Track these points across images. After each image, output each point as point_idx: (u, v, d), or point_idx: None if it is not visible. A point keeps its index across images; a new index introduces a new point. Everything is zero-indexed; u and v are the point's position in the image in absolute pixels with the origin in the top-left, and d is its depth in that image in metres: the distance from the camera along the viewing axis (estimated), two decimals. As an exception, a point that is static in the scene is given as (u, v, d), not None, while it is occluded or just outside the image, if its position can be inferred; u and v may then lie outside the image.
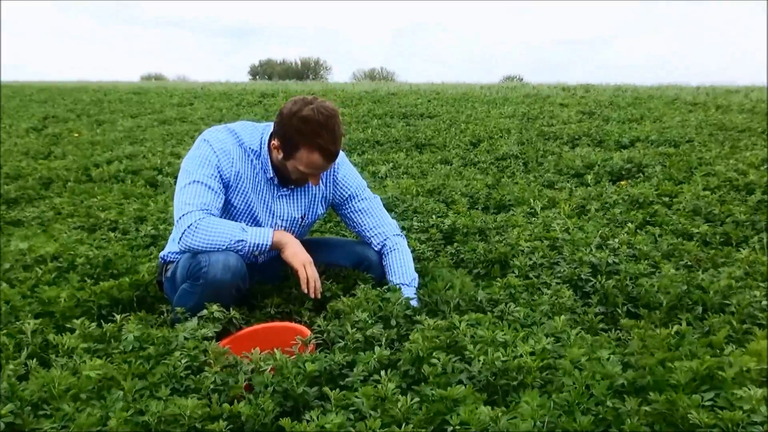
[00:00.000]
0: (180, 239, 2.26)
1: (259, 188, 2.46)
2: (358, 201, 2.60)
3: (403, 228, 3.54)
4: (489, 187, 4.65)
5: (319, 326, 2.09)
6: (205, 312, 2.09)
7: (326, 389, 1.63)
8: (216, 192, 2.33)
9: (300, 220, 2.57)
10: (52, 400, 1.56)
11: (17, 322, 2.15)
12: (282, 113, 2.32)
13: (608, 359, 1.71)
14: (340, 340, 1.99)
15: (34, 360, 1.80)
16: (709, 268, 2.74)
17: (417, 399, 1.57)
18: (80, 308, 2.38)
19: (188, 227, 2.24)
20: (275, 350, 1.81)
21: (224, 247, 2.24)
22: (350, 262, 2.57)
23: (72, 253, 2.98)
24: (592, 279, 2.59)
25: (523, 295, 2.38)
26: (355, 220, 2.61)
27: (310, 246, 2.76)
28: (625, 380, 1.62)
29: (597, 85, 17.25)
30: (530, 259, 2.82)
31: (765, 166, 4.81)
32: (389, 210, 4.01)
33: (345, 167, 2.61)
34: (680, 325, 1.99)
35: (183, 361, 1.75)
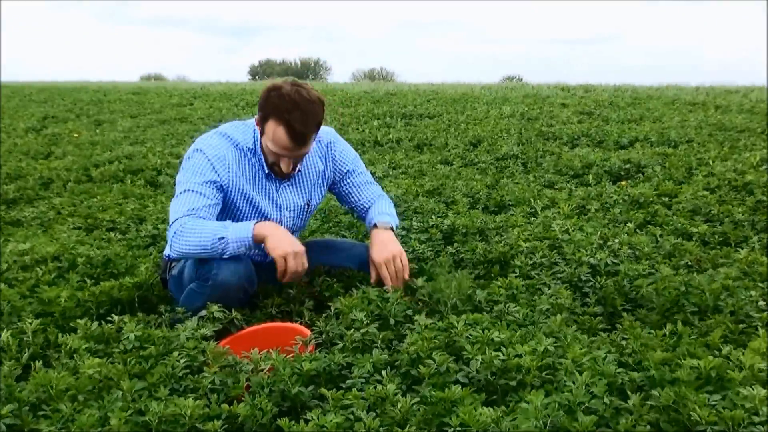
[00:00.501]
0: (171, 247, 2.27)
1: (261, 185, 2.46)
2: (356, 176, 2.64)
3: (403, 228, 3.54)
4: (489, 187, 4.65)
5: (318, 326, 2.09)
6: (204, 312, 2.10)
7: (323, 390, 1.63)
8: (207, 197, 2.30)
9: (306, 207, 2.58)
10: (51, 400, 1.56)
11: (18, 323, 2.15)
12: (266, 88, 2.34)
13: (605, 359, 1.71)
14: (339, 341, 1.99)
15: (39, 362, 1.80)
16: (709, 269, 2.74)
17: (416, 400, 1.58)
18: (80, 308, 2.38)
19: (175, 234, 2.24)
20: (272, 350, 1.82)
21: (209, 247, 2.20)
22: (355, 264, 2.57)
23: (72, 253, 2.98)
24: (591, 279, 2.59)
25: (522, 296, 2.38)
26: (353, 194, 2.64)
27: (314, 248, 2.77)
28: (627, 379, 1.62)
29: (596, 85, 17.24)
30: (530, 259, 2.82)
31: (764, 167, 4.81)
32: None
33: (340, 143, 2.64)
34: (679, 325, 2.00)
35: (182, 361, 1.75)
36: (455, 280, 2.39)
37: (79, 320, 2.03)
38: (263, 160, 2.43)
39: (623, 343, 1.91)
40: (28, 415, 1.51)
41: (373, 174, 5.31)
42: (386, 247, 2.38)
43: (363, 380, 1.72)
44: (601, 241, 3.06)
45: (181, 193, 2.32)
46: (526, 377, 1.66)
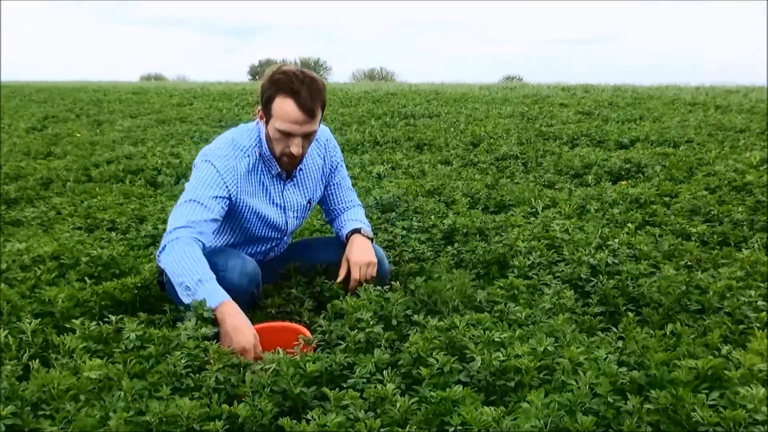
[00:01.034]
0: (160, 253, 2.24)
1: (266, 191, 2.46)
2: (339, 173, 2.67)
3: (403, 228, 3.54)
4: (489, 187, 4.65)
5: (321, 326, 2.09)
6: (204, 313, 2.09)
7: (325, 389, 1.63)
8: (210, 210, 2.26)
9: (308, 205, 2.60)
10: (52, 400, 1.56)
11: (18, 323, 2.15)
12: (268, 72, 2.33)
13: (605, 359, 1.72)
14: (341, 342, 1.99)
15: (37, 361, 1.80)
16: (709, 269, 2.74)
17: (416, 399, 1.58)
18: (81, 308, 2.38)
19: (166, 246, 2.20)
20: (278, 350, 1.82)
21: (177, 282, 2.12)
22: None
23: (72, 253, 2.98)
24: (592, 279, 2.60)
25: (522, 296, 2.39)
26: (333, 192, 2.67)
27: (311, 245, 2.77)
28: (628, 379, 1.62)
29: (596, 85, 17.26)
30: (530, 259, 2.83)
31: (764, 167, 4.81)
32: (389, 210, 4.02)
33: (334, 141, 2.68)
34: (678, 325, 2.00)
35: (183, 360, 1.75)
36: (455, 280, 2.40)
37: (74, 320, 2.02)
38: (269, 161, 2.42)
39: (620, 343, 1.91)
40: (29, 415, 1.51)
41: (373, 174, 5.33)
42: (366, 253, 2.45)
43: (364, 380, 1.72)
44: (600, 241, 3.07)
45: (186, 201, 2.28)
46: (525, 377, 1.67)
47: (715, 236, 3.28)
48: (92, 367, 1.65)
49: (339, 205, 2.69)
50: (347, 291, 2.41)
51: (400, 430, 1.49)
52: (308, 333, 2.03)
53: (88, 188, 5.08)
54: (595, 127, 7.56)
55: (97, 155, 6.64)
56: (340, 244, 2.58)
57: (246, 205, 2.40)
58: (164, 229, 3.53)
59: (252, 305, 2.32)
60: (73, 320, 2.03)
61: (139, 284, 2.61)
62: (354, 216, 2.64)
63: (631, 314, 2.18)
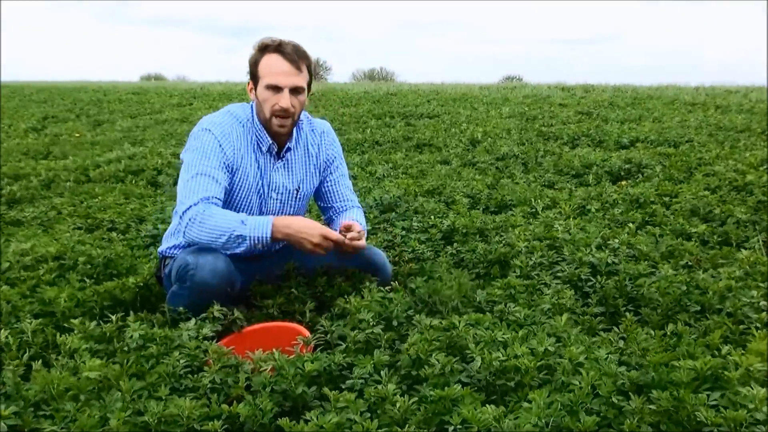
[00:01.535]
0: (184, 233, 2.28)
1: (259, 163, 2.48)
2: (336, 167, 2.67)
3: (402, 228, 3.54)
4: (489, 187, 4.65)
5: (322, 326, 2.09)
6: (204, 314, 2.10)
7: (325, 390, 1.63)
8: (219, 182, 2.33)
9: (295, 192, 2.57)
10: (52, 400, 1.56)
11: (18, 323, 2.15)
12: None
13: (606, 359, 1.72)
14: (341, 342, 1.99)
15: (39, 361, 1.80)
16: (709, 269, 2.74)
17: (415, 399, 1.57)
18: (81, 308, 2.38)
19: (190, 220, 2.25)
20: (274, 350, 1.82)
21: (224, 241, 2.23)
22: (357, 265, 2.57)
23: (73, 252, 2.98)
24: (591, 279, 2.59)
25: (522, 296, 2.38)
26: (330, 189, 2.66)
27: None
28: (627, 380, 1.62)
29: (596, 85, 17.26)
30: (530, 259, 2.82)
31: (764, 167, 4.81)
32: (389, 210, 4.02)
33: (332, 134, 2.69)
34: (678, 325, 2.00)
35: (182, 361, 1.75)
36: (455, 281, 2.40)
37: (73, 320, 2.02)
38: (261, 134, 2.46)
39: (621, 343, 1.91)
40: (30, 415, 1.51)
41: (373, 174, 5.33)
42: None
43: (363, 381, 1.72)
44: (601, 241, 3.07)
45: (193, 176, 2.31)
46: (525, 377, 1.67)
47: (716, 236, 3.27)
48: (92, 367, 1.64)
49: (336, 203, 2.66)
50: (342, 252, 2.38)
51: (399, 430, 1.48)
52: (307, 333, 2.03)
53: (88, 188, 5.08)
54: (595, 127, 7.56)
55: (97, 155, 6.64)
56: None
57: (237, 172, 2.42)
58: (165, 229, 3.55)
59: (233, 302, 2.28)
60: (74, 321, 2.03)
61: (140, 284, 2.61)
62: (353, 216, 2.61)
63: (630, 314, 2.18)
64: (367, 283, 2.36)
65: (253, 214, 2.51)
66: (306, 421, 1.48)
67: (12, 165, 5.98)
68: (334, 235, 2.30)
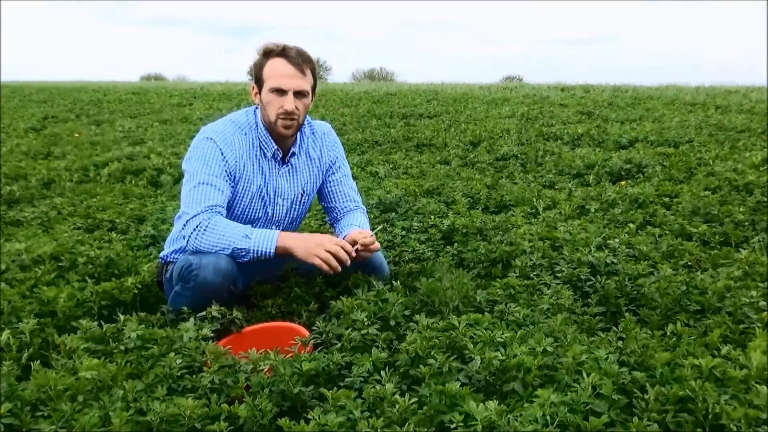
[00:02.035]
0: (188, 242, 2.29)
1: (262, 171, 2.48)
2: (338, 167, 2.67)
3: (402, 228, 3.54)
4: (489, 187, 4.65)
5: (317, 327, 2.09)
6: (203, 312, 2.10)
7: (323, 390, 1.62)
8: (221, 190, 2.34)
9: (300, 197, 2.59)
10: (51, 400, 1.56)
11: (18, 323, 2.15)
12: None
13: (606, 359, 1.71)
14: (337, 342, 1.99)
15: (37, 361, 1.80)
16: (709, 269, 2.74)
17: (415, 399, 1.57)
18: (81, 308, 2.38)
19: (194, 230, 2.27)
20: (270, 351, 1.81)
21: (228, 253, 2.25)
22: (354, 265, 2.57)
23: (73, 252, 2.98)
24: (591, 279, 2.59)
25: (521, 296, 2.38)
26: (333, 190, 2.66)
27: None
28: (630, 379, 1.62)
29: (596, 85, 17.27)
30: (530, 259, 2.82)
31: (765, 167, 4.81)
32: (390, 210, 4.01)
33: (333, 135, 2.69)
34: (678, 325, 2.00)
35: (178, 361, 1.75)
36: (455, 281, 2.39)
37: (79, 321, 2.03)
38: (265, 140, 2.46)
39: (619, 343, 1.91)
40: (27, 415, 1.51)
41: (373, 174, 5.33)
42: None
43: (362, 380, 1.72)
44: (601, 241, 3.06)
45: (195, 186, 2.33)
46: (527, 377, 1.66)
47: (716, 236, 3.27)
48: (88, 367, 1.64)
49: (340, 203, 2.66)
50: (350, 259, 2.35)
51: (399, 429, 1.48)
52: (306, 333, 2.02)
53: (88, 188, 5.08)
54: (595, 127, 7.56)
55: (97, 155, 6.64)
56: None
57: (240, 180, 2.43)
58: (165, 230, 3.55)
59: (234, 302, 2.30)
60: (79, 321, 2.03)
61: (139, 284, 2.60)
62: (356, 221, 2.60)
63: (629, 314, 2.18)
64: (362, 284, 2.36)
65: (258, 219, 2.53)
66: (307, 421, 1.47)
67: (12, 165, 5.98)
68: (347, 245, 2.30)
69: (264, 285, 2.48)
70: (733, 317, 2.17)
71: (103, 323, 2.05)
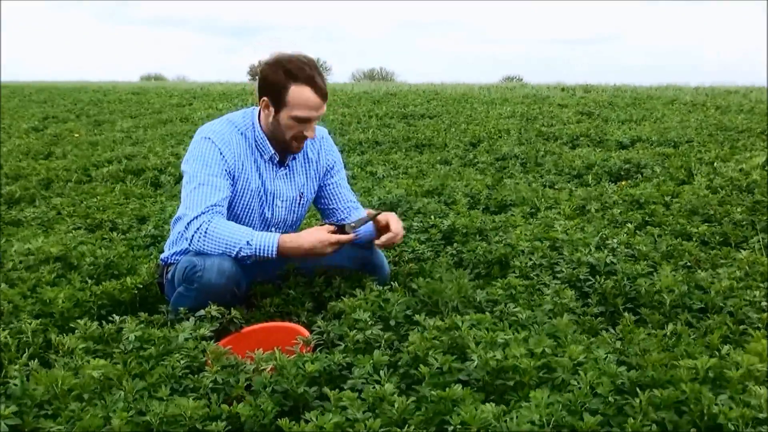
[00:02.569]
0: (190, 243, 2.29)
1: (259, 172, 2.48)
2: (336, 172, 2.66)
3: (402, 228, 3.53)
4: (489, 187, 4.65)
5: (318, 326, 2.09)
6: (203, 312, 2.10)
7: (326, 390, 1.62)
8: (222, 190, 2.35)
9: (298, 198, 2.59)
10: (55, 400, 1.56)
11: (18, 323, 2.15)
12: (262, 69, 2.39)
13: (606, 359, 1.71)
14: (340, 342, 1.99)
15: (36, 361, 1.80)
16: (708, 269, 2.74)
17: (413, 399, 1.57)
18: (80, 309, 2.38)
19: (197, 231, 2.27)
20: (275, 350, 1.81)
21: (233, 254, 2.25)
22: (353, 264, 2.57)
23: (73, 253, 2.98)
24: (591, 279, 2.59)
25: (522, 296, 2.38)
26: (333, 193, 2.65)
27: None
28: (627, 379, 1.62)
29: (596, 85, 17.27)
30: (530, 259, 2.82)
31: (765, 167, 4.81)
32: (391, 210, 4.01)
33: (330, 140, 2.68)
34: (679, 325, 2.00)
35: (182, 361, 1.75)
36: (455, 281, 2.39)
37: (79, 321, 2.03)
38: (263, 143, 2.46)
39: (618, 343, 1.91)
40: (31, 415, 1.51)
41: (373, 174, 5.33)
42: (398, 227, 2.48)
43: (363, 380, 1.72)
44: (600, 241, 3.06)
45: (196, 187, 2.33)
46: (524, 377, 1.66)
47: (716, 236, 3.27)
48: (95, 366, 1.64)
49: (341, 204, 2.66)
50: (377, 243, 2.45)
51: (398, 430, 1.48)
52: (307, 333, 2.03)
53: (88, 188, 5.08)
54: (595, 128, 7.56)
55: (97, 155, 6.64)
56: (344, 248, 2.61)
57: (238, 179, 2.43)
58: (167, 230, 3.55)
59: (237, 303, 2.30)
60: (78, 321, 2.03)
61: (139, 285, 2.61)
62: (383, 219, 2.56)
63: (628, 315, 2.18)
64: (366, 282, 2.36)
65: (254, 219, 2.53)
66: (306, 422, 1.47)
67: (12, 165, 5.98)
68: (344, 238, 2.34)
69: (264, 285, 2.48)
70: (733, 317, 2.17)
71: (103, 323, 2.05)
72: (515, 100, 12.25)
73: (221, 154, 2.37)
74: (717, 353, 1.79)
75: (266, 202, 2.51)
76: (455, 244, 3.21)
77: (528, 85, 18.92)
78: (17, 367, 1.72)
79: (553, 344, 1.81)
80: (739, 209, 3.63)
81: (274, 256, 2.26)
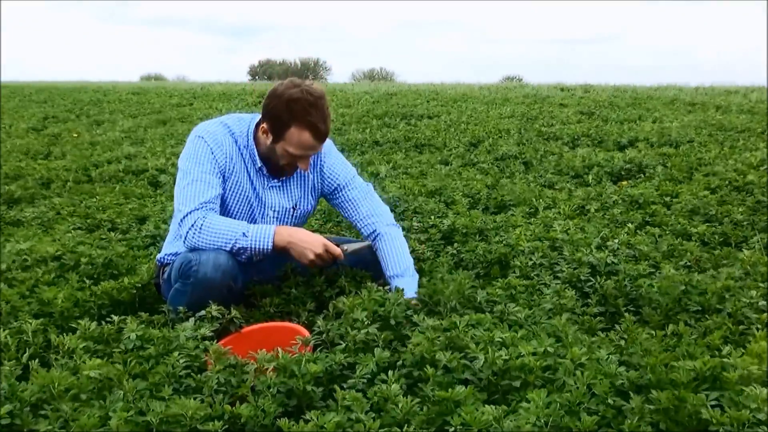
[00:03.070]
0: (185, 239, 2.30)
1: (250, 178, 2.50)
2: (348, 191, 2.62)
3: (402, 228, 3.53)
4: (489, 187, 4.65)
5: (319, 326, 2.08)
6: (203, 312, 2.09)
7: (336, 387, 1.62)
8: (214, 188, 2.37)
9: (291, 210, 2.59)
10: (52, 400, 1.56)
11: (17, 323, 2.15)
12: (270, 95, 2.38)
13: (607, 359, 1.71)
14: (341, 342, 1.98)
15: (36, 361, 1.79)
16: (709, 269, 2.73)
17: (417, 400, 1.57)
18: (80, 309, 2.38)
19: (191, 227, 2.28)
20: (278, 350, 1.81)
21: (229, 247, 2.26)
22: (347, 261, 2.56)
23: (73, 253, 2.97)
24: (591, 279, 2.59)
25: (521, 296, 2.38)
26: (347, 209, 2.63)
27: None
28: (627, 380, 1.62)
29: (596, 85, 17.27)
30: (530, 259, 2.82)
31: (764, 167, 4.81)
32: (391, 210, 4.00)
33: (332, 156, 2.62)
34: (679, 326, 1.99)
35: (182, 361, 1.75)
36: (455, 281, 2.39)
37: (79, 321, 2.02)
38: (254, 154, 2.47)
39: (621, 343, 1.91)
40: (28, 415, 1.51)
41: (373, 174, 5.33)
42: None
43: (365, 380, 1.72)
44: (600, 241, 3.06)
45: (188, 183, 2.35)
46: (529, 377, 1.66)
47: (716, 236, 3.27)
48: (92, 366, 1.64)
49: (357, 219, 2.61)
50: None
51: (399, 430, 1.48)
52: (306, 333, 2.02)
53: (88, 188, 5.07)
54: (595, 128, 7.55)
55: (97, 155, 6.64)
56: (338, 245, 2.59)
57: (229, 178, 2.44)
58: (166, 229, 3.55)
59: (234, 300, 2.28)
60: (78, 321, 2.03)
61: (138, 285, 2.60)
62: (390, 258, 2.52)
63: (629, 315, 2.18)
64: (367, 283, 2.36)
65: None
66: (306, 421, 1.47)
67: (12, 165, 5.97)
68: (336, 249, 2.35)
69: (264, 285, 2.48)
70: (733, 318, 2.17)
71: (103, 323, 2.05)
72: (515, 100, 12.25)
73: (212, 153, 2.39)
74: (717, 353, 1.78)
75: (257, 208, 2.52)
76: (455, 244, 3.21)
77: (528, 85, 18.91)
78: (7, 367, 1.71)
79: (556, 344, 1.81)
80: (739, 209, 3.63)
81: (270, 246, 2.27)
